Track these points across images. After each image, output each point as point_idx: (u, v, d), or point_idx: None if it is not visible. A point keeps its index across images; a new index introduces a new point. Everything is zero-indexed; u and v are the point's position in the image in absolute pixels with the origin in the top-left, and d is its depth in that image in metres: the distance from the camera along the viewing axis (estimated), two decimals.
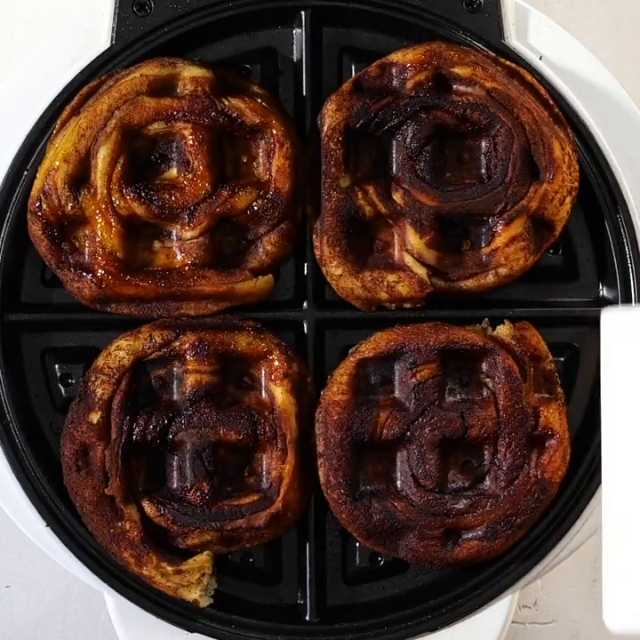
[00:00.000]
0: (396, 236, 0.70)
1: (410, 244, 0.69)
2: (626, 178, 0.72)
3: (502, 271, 0.69)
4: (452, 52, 0.69)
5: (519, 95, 0.69)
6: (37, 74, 0.72)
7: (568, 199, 0.68)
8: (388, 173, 0.70)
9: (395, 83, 0.69)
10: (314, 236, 0.70)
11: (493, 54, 0.71)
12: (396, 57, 0.70)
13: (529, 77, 0.70)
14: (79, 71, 0.71)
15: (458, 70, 0.69)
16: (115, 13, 0.71)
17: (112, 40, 0.71)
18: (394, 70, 0.70)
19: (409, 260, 0.69)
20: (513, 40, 0.72)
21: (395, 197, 0.69)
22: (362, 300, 0.70)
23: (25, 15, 0.88)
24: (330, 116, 0.69)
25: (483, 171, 0.70)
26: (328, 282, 0.72)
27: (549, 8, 0.89)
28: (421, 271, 0.68)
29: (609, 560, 0.61)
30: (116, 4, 0.71)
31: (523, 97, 0.69)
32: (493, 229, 0.69)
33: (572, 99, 0.72)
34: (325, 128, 0.69)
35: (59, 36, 0.73)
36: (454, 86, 0.69)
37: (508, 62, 0.70)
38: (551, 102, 0.70)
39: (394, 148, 0.70)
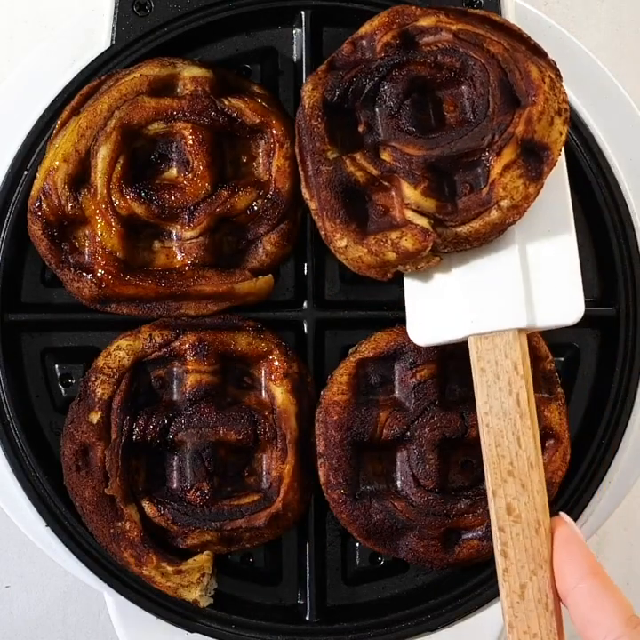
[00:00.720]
0: (394, 197, 0.68)
1: (407, 198, 0.67)
2: (626, 178, 0.72)
3: (504, 203, 0.66)
4: (414, 8, 0.69)
5: (488, 31, 0.67)
6: (37, 74, 0.72)
7: (557, 119, 0.65)
8: (374, 139, 0.69)
9: (367, 54, 0.69)
10: (316, 218, 0.69)
11: (463, 8, 0.70)
12: (363, 29, 0.69)
13: (500, 19, 0.68)
14: (79, 71, 0.71)
15: (422, 22, 0.68)
16: (115, 13, 0.71)
17: (112, 40, 0.71)
18: (364, 42, 0.69)
19: (410, 214, 0.67)
20: None
21: (383, 157, 0.68)
22: (374, 269, 0.68)
23: (25, 15, 0.88)
24: (308, 97, 0.68)
25: (468, 115, 0.68)
26: (327, 282, 0.72)
27: (549, 8, 0.89)
28: (422, 221, 0.67)
29: (408, 287, 0.70)
30: (115, 3, 0.71)
31: (492, 32, 0.67)
32: (487, 165, 0.67)
33: (572, 99, 0.72)
34: (305, 108, 0.68)
35: (59, 35, 0.73)
36: (423, 40, 0.68)
37: (476, 11, 0.69)
38: (526, 36, 0.68)
39: (376, 112, 0.69)
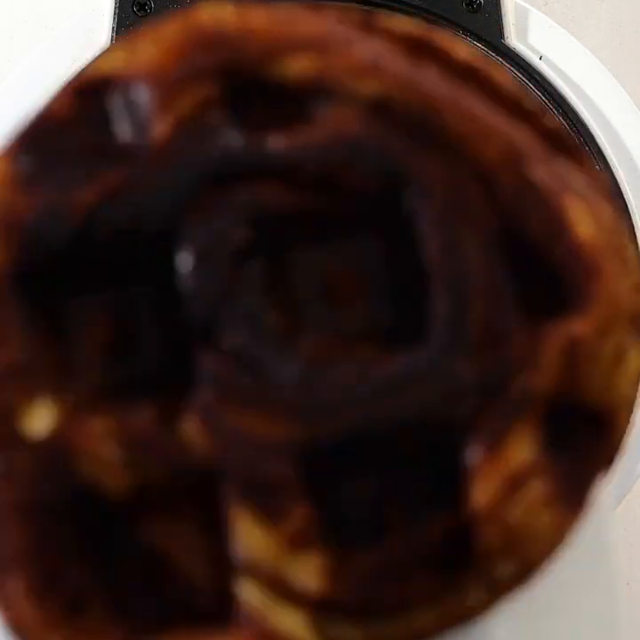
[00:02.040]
0: None
1: None
2: (626, 178, 0.72)
3: None
4: None
5: None
6: (37, 74, 0.72)
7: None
8: None
9: None
10: None
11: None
12: None
13: None
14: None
15: None
16: (115, 13, 0.71)
17: (112, 40, 0.71)
18: None
19: None
20: (513, 40, 0.72)
21: None
22: None
23: (25, 15, 0.88)
24: None
25: None
26: None
27: (549, 8, 0.89)
28: None
29: None
30: (115, 3, 0.71)
31: None
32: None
33: (572, 99, 0.72)
34: None
35: (59, 35, 0.73)
36: None
37: None
38: None
39: None
